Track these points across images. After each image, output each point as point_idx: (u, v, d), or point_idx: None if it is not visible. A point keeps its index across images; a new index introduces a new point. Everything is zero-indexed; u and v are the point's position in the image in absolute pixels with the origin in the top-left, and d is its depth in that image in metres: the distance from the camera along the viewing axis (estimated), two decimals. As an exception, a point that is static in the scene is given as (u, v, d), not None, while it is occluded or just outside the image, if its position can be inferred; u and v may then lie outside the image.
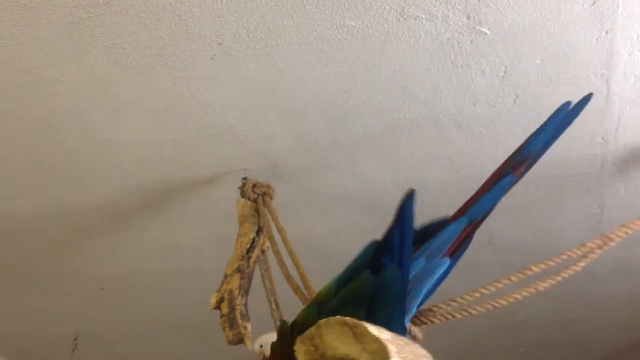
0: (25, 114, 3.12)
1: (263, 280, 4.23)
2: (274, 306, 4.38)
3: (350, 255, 4.37)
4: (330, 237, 4.14)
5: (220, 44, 2.79)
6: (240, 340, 3.38)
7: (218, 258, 4.43)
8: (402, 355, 1.17)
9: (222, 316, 3.46)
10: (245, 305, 3.52)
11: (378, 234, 4.32)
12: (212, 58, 2.86)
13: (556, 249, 4.14)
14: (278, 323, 4.42)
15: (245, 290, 3.57)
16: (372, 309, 1.78)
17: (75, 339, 5.54)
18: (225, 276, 3.52)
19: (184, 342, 5.50)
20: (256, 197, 3.50)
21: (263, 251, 3.60)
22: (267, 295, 4.33)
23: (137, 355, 5.77)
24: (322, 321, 1.22)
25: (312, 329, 1.21)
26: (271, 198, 3.53)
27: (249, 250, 3.52)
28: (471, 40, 2.78)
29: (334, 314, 1.56)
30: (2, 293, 4.87)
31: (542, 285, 2.28)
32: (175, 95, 3.07)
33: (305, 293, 2.99)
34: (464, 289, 4.62)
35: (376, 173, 3.64)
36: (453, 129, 3.27)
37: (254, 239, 3.49)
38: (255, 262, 3.64)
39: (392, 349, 1.16)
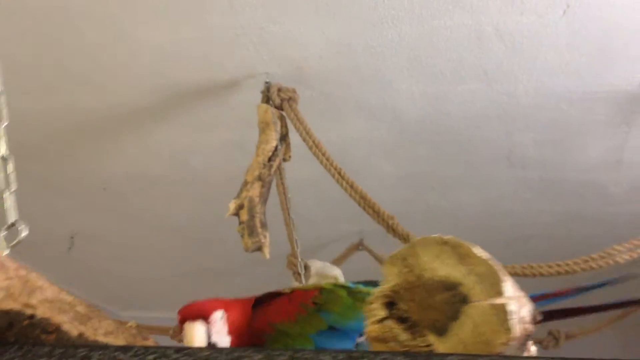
0: (43, 4, 2.89)
1: (278, 189, 4.15)
2: (287, 216, 4.34)
3: (366, 165, 4.32)
4: (348, 145, 4.03)
5: (262, -64, 2.57)
6: (259, 248, 3.32)
7: (229, 164, 4.33)
8: (510, 278, 1.07)
9: (240, 223, 3.37)
10: (264, 214, 3.44)
11: (395, 145, 4.26)
12: (251, -49, 2.65)
13: (577, 166, 4.14)
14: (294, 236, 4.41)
15: (264, 199, 3.48)
16: None
17: (72, 237, 5.44)
18: (246, 183, 3.41)
19: (184, 247, 5.44)
20: (281, 102, 3.35)
21: (284, 160, 3.49)
22: (282, 205, 4.27)
23: (134, 257, 5.72)
24: (416, 240, 1.11)
25: (404, 248, 1.10)
26: (297, 103, 3.38)
27: (271, 158, 3.40)
28: (531, -56, 2.61)
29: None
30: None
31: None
32: (206, -10, 2.86)
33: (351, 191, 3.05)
34: (478, 202, 4.62)
35: (404, 83, 3.50)
36: (494, 39, 3.12)
37: (276, 147, 3.37)
38: (276, 170, 3.54)
39: (501, 272, 1.06)
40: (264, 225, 3.40)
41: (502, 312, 1.00)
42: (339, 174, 3.09)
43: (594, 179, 4.19)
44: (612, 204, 4.41)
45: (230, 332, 1.91)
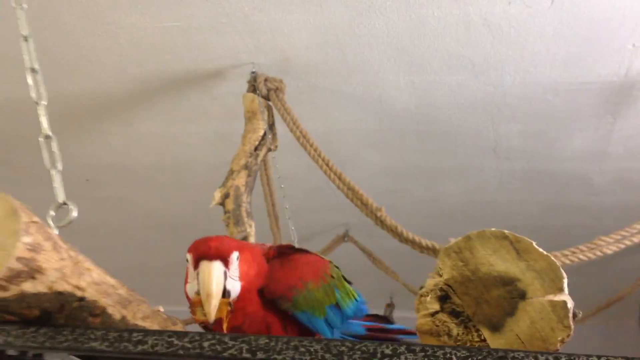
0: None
1: (262, 180, 4.12)
2: (270, 206, 4.31)
3: (352, 156, 4.29)
4: (334, 136, 4.01)
5: None
6: (245, 238, 3.30)
7: (213, 154, 4.29)
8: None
9: (225, 212, 3.35)
10: (250, 203, 3.42)
11: (381, 136, 4.23)
12: (237, -62, 2.61)
13: (562, 157, 4.14)
14: (275, 226, 4.38)
15: (250, 188, 3.45)
16: None
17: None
18: (232, 172, 3.38)
19: (169, 237, 5.40)
20: (268, 92, 3.32)
21: (271, 150, 3.46)
22: (265, 196, 4.25)
23: (117, 247, 5.67)
24: (473, 233, 1.08)
25: (460, 241, 1.07)
26: (283, 93, 3.35)
27: (257, 147, 3.37)
28: None
29: None
30: (-20, 182, 4.65)
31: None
32: (191, -23, 2.82)
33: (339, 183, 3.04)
34: (464, 194, 4.62)
35: (391, 73, 3.47)
36: (481, 29, 3.11)
37: (263, 136, 3.33)
38: (262, 159, 3.51)
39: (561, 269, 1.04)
40: (249, 214, 3.38)
41: (561, 309, 0.99)
42: (327, 165, 3.06)
43: (578, 169, 4.20)
44: (597, 194, 4.42)
45: (242, 277, 1.73)
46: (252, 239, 3.33)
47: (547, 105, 3.63)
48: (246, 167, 3.36)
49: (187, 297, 1.70)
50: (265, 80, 3.32)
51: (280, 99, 3.28)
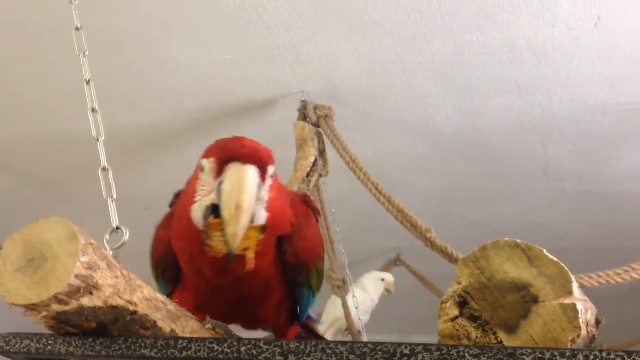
0: (89, 31, 3.00)
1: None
2: (325, 230, 4.39)
3: (401, 180, 4.35)
4: (382, 161, 4.08)
5: (295, -41, 2.66)
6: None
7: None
8: (576, 283, 1.11)
9: (280, 237, 3.43)
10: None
11: (430, 159, 4.29)
12: (285, -26, 2.74)
13: (613, 177, 4.12)
14: (331, 249, 4.44)
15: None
16: None
17: (116, 258, 5.57)
18: (284, 199, 3.48)
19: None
20: (317, 119, 3.42)
21: (322, 175, 3.55)
22: (321, 221, 4.32)
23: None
24: (488, 243, 1.15)
25: (476, 251, 1.15)
26: (332, 120, 3.45)
27: (309, 173, 3.47)
28: (559, -41, 2.65)
29: None
30: (45, 210, 4.86)
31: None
32: (242, 13, 2.95)
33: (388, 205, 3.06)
34: (515, 215, 4.62)
35: (437, 97, 3.54)
36: (526, 52, 3.16)
37: (314, 162, 3.43)
38: (314, 185, 3.60)
39: (571, 274, 1.11)
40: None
41: (571, 311, 1.05)
42: (376, 188, 3.14)
43: (631, 189, 4.17)
44: (650, 215, 4.38)
45: (269, 207, 1.34)
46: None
47: (595, 126, 3.63)
48: (298, 192, 3.45)
49: (189, 227, 1.33)
50: (315, 107, 3.42)
51: (330, 125, 3.37)
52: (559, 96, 3.43)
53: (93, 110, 1.36)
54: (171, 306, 1.24)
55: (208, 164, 1.35)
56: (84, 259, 0.96)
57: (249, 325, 1.66)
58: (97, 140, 1.30)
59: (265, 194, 1.33)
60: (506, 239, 1.14)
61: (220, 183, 1.28)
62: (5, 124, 3.73)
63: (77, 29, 1.45)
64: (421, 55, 3.23)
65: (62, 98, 3.54)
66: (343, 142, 3.29)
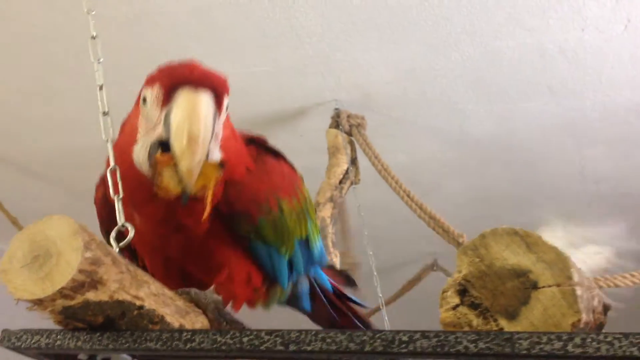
0: (125, 45, 3.12)
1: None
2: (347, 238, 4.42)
3: (436, 186, 4.37)
4: (417, 167, 4.10)
5: (325, -28, 2.72)
6: (332, 268, 3.41)
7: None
8: (577, 267, 1.13)
9: (312, 243, 3.49)
10: (335, 234, 3.55)
11: (464, 165, 4.30)
12: (315, -14, 2.80)
13: (651, 178, 4.08)
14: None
15: (335, 220, 3.59)
16: None
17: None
18: (317, 204, 3.53)
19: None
20: (350, 128, 3.47)
21: (354, 183, 3.60)
22: (342, 227, 4.36)
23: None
24: (487, 231, 1.17)
25: (475, 240, 1.17)
26: (364, 129, 3.50)
27: (342, 180, 3.52)
28: (587, -37, 2.66)
29: None
30: (80, 219, 4.99)
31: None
32: (274, 24, 3.03)
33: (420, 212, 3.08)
34: (550, 215, 4.58)
35: (470, 103, 3.56)
36: (557, 56, 3.16)
37: (347, 170, 3.48)
38: (346, 192, 3.65)
39: (570, 259, 1.12)
40: (335, 245, 3.51)
41: (570, 296, 1.06)
42: (408, 195, 3.17)
43: (668, 190, 4.13)
44: (692, 216, 4.31)
45: (224, 146, 1.22)
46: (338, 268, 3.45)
47: (630, 127, 3.61)
48: (331, 199, 3.50)
49: (132, 172, 1.18)
50: (348, 116, 3.47)
51: (362, 134, 3.42)
52: (592, 99, 3.43)
53: (104, 113, 1.37)
54: (180, 302, 1.24)
55: (151, 93, 1.17)
56: (87, 254, 1.00)
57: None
58: (107, 141, 1.30)
59: (220, 130, 1.19)
60: (504, 226, 1.16)
61: (168, 113, 1.14)
62: (45, 137, 3.85)
63: (93, 37, 1.46)
64: (452, 61, 3.26)
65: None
66: (375, 151, 3.33)
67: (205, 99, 1.13)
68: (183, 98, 1.12)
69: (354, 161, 3.52)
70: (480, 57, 3.21)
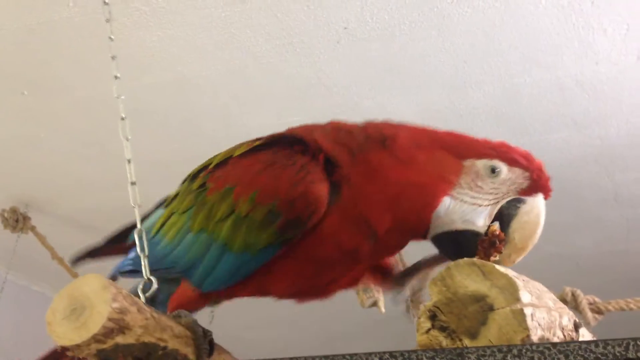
0: (171, 109, 3.40)
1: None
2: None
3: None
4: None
5: (345, 28, 2.95)
6: (374, 304, 3.54)
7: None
8: (528, 289, 1.28)
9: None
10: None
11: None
12: (338, 42, 3.03)
13: (685, 201, 4.12)
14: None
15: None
16: None
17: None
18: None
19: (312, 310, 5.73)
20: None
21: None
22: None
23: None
24: (451, 264, 1.32)
25: (442, 271, 1.33)
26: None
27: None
28: (592, 2, 2.81)
29: None
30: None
31: None
32: (303, 79, 3.26)
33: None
34: (594, 245, 4.65)
35: (494, 138, 3.65)
36: (575, 89, 3.30)
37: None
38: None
39: (519, 283, 1.27)
40: (377, 282, 3.66)
41: (519, 315, 1.21)
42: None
43: None
44: None
45: None
46: (381, 304, 3.58)
47: (662, 151, 3.69)
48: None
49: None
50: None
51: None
52: (615, 127, 3.53)
53: (132, 183, 1.67)
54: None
55: (510, 172, 1.33)
56: (115, 305, 1.18)
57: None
58: (134, 207, 1.59)
59: None
60: (465, 258, 1.30)
61: (519, 204, 1.30)
62: (100, 195, 4.13)
63: (122, 118, 1.72)
64: (474, 100, 3.42)
65: (148, 170, 3.92)
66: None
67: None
68: (538, 208, 1.29)
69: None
70: (500, 94, 3.37)
